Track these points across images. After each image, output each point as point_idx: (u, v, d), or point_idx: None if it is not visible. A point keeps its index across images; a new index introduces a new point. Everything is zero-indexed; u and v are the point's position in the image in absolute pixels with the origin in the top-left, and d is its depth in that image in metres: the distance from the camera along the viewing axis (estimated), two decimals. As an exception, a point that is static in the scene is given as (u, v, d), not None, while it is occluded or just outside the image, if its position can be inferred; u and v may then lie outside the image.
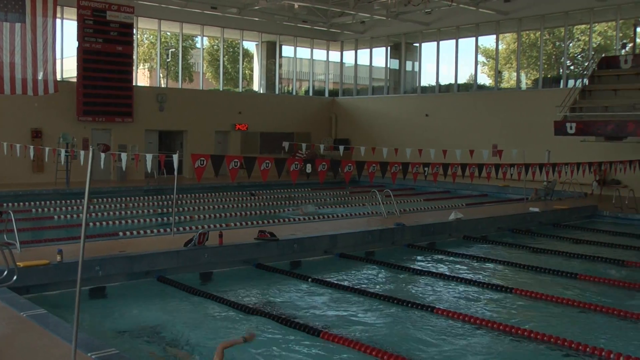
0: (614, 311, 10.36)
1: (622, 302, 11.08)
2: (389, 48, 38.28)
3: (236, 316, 9.81)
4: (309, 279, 12.14)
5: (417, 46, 37.46)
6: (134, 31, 30.86)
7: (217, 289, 11.32)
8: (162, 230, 15.76)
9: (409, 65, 38.01)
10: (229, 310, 10.08)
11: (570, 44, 32.92)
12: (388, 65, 38.48)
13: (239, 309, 10.08)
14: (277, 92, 38.84)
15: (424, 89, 36.76)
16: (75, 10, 27.95)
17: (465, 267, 13.89)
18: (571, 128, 24.31)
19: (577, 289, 12.15)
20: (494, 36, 33.63)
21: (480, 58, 35.90)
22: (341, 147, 24.60)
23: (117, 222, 17.82)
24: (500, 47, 34.40)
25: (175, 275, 11.89)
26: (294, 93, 40.08)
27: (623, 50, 29.12)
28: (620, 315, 10.23)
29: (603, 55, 29.05)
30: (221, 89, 36.72)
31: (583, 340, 8.75)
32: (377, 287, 12.15)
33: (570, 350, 8.58)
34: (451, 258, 14.81)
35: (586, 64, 30.40)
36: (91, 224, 17.07)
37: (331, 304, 10.80)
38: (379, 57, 38.89)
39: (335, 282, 12.11)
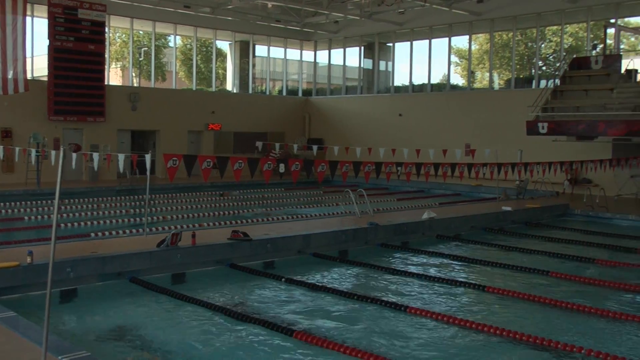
0: (584, 308, 10.46)
1: (593, 299, 11.18)
2: (362, 48, 38.37)
3: (209, 317, 9.76)
4: (283, 279, 12.11)
5: (390, 46, 37.61)
6: (106, 30, 30.63)
7: (190, 289, 11.25)
8: (134, 230, 15.63)
9: (382, 65, 38.13)
10: (203, 311, 10.03)
11: (542, 45, 33.20)
12: (361, 65, 38.57)
13: (212, 310, 10.03)
14: (250, 91, 38.78)
15: (398, 89, 36.90)
16: (46, 7, 27.71)
17: (438, 266, 13.94)
18: (543, 128, 24.52)
19: (549, 286, 12.25)
20: (467, 37, 33.82)
21: (453, 58, 36.11)
22: (315, 147, 24.61)
23: (88, 222, 17.67)
24: (473, 47, 34.61)
25: (148, 276, 11.81)
26: (268, 93, 40.03)
27: (594, 51, 29.43)
28: (591, 313, 10.33)
29: (574, 56, 29.35)
30: (194, 89, 36.63)
31: (555, 338, 8.82)
32: (351, 286, 12.17)
33: (542, 347, 8.64)
34: (424, 257, 14.87)
35: (558, 64, 30.74)
36: (62, 224, 16.92)
37: (305, 303, 10.78)
38: (353, 56, 38.98)
39: (309, 281, 12.09)
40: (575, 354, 8.38)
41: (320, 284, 11.89)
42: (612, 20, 28.96)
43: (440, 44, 34.96)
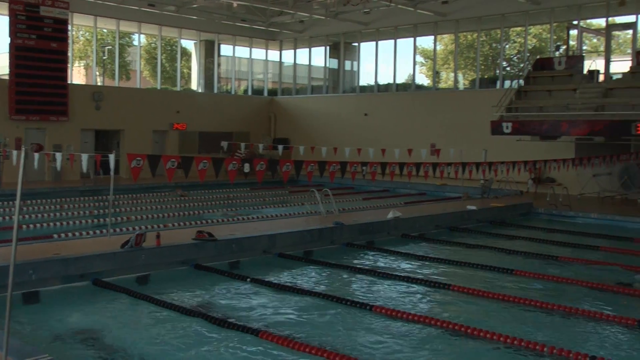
0: (547, 305, 10.59)
1: (556, 297, 11.32)
2: (328, 47, 38.41)
3: (174, 318, 9.70)
4: (248, 279, 12.08)
5: (356, 46, 37.71)
6: (69, 27, 30.29)
7: (154, 291, 11.17)
8: (98, 231, 15.48)
9: (347, 65, 38.22)
10: (167, 313, 9.96)
11: (507, 46, 33.52)
12: (327, 65, 38.60)
13: (177, 311, 9.96)
14: (215, 91, 38.64)
15: (363, 89, 37.00)
16: (7, 5, 27.31)
17: (403, 265, 14.00)
18: (507, 128, 24.74)
19: (513, 284, 12.39)
20: (432, 37, 34.01)
21: (419, 58, 36.29)
22: (280, 147, 24.57)
23: (51, 224, 17.42)
24: (438, 47, 34.82)
25: (112, 278, 11.69)
26: (233, 92, 39.90)
27: (557, 52, 29.81)
28: (554, 310, 10.46)
29: (538, 57, 29.73)
30: (159, 88, 36.41)
31: (519, 335, 8.92)
32: (316, 286, 12.17)
33: (507, 344, 8.72)
34: (389, 256, 14.91)
35: (522, 65, 31.05)
36: (24, 226, 16.66)
37: (270, 303, 10.76)
38: (318, 56, 39.04)
39: (274, 281, 12.07)
40: (539, 351, 8.47)
41: (286, 284, 11.88)
42: (575, 22, 29.36)
43: (405, 44, 35.13)
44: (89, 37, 35.32)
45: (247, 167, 14.77)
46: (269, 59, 40.91)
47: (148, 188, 24.64)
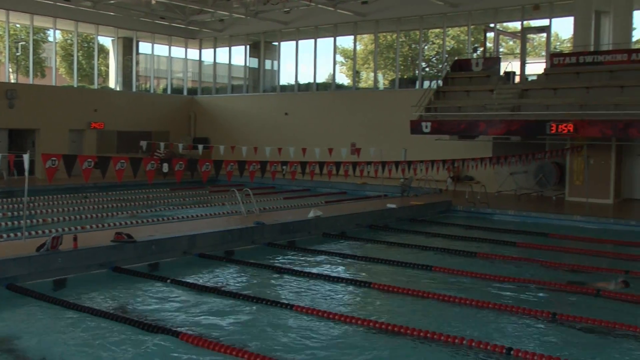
0: (466, 301, 10.80)
1: (475, 292, 11.57)
2: (248, 47, 38.31)
3: (93, 322, 9.48)
4: (168, 281, 11.92)
5: (276, 45, 37.70)
6: (-20, 24, 29.35)
7: (72, 295, 10.90)
8: (12, 234, 15.03)
9: (268, 64, 38.19)
10: (85, 317, 9.72)
11: (426, 47, 34.08)
12: (247, 64, 38.47)
13: (95, 315, 9.75)
14: (134, 89, 38.06)
15: (284, 88, 37.03)
16: None
17: (324, 264, 14.05)
18: (426, 127, 25.11)
19: (431, 280, 12.59)
20: (352, 37, 34.27)
21: (339, 58, 36.59)
22: (200, 146, 24.34)
23: (-38, 226, 16.87)
24: (358, 47, 35.12)
25: (27, 282, 11.35)
26: (152, 91, 39.37)
27: (474, 54, 30.44)
28: (472, 304, 10.68)
29: (456, 58, 30.32)
30: (75, 86, 35.62)
31: (439, 330, 9.07)
32: (237, 286, 12.10)
33: (427, 340, 8.84)
34: (310, 255, 14.94)
35: (440, 66, 31.58)
36: None
37: (191, 304, 10.64)
38: (238, 55, 38.87)
39: (195, 282, 11.95)
40: (458, 344, 8.63)
41: (207, 285, 11.78)
42: (492, 25, 30.04)
43: (325, 44, 35.32)
44: (1, 33, 34.26)
45: (165, 167, 14.59)
46: (188, 57, 40.51)
47: (64, 189, 24.04)
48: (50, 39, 36.60)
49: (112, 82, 38.68)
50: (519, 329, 9.69)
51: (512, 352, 8.31)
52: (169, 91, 40.06)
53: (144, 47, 38.84)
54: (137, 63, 38.49)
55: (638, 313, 10.48)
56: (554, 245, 16.55)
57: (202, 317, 9.96)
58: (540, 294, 11.74)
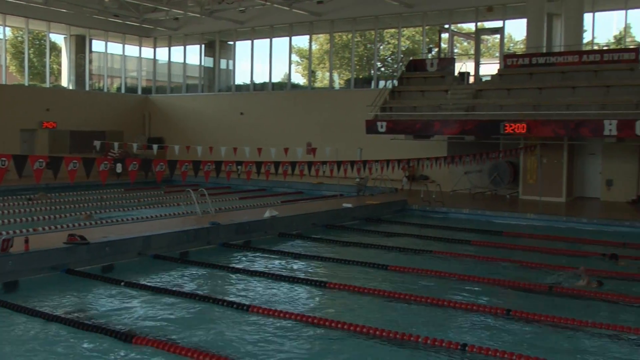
0: (421, 299, 10.88)
1: (430, 289, 11.68)
2: (203, 46, 38.07)
3: (45, 327, 9.32)
4: (122, 283, 11.76)
5: (231, 44, 37.56)
6: None
7: (23, 298, 10.69)
8: (-40, 236, 14.70)
9: (223, 64, 38.01)
10: (37, 322, 9.54)
11: (381, 47, 34.22)
12: (202, 63, 38.24)
13: (47, 319, 9.57)
14: (87, 88, 37.54)
15: (239, 88, 36.89)
16: None
17: (280, 264, 14.01)
18: (382, 127, 25.22)
19: (387, 279, 12.65)
20: (308, 36, 34.26)
21: (294, 58, 36.56)
22: (155, 146, 24.10)
23: None
24: (313, 47, 35.12)
25: (-24, 285, 11.14)
26: (106, 90, 38.89)
27: (429, 55, 30.67)
28: (428, 302, 10.77)
29: (411, 58, 30.50)
30: (27, 84, 34.99)
31: (395, 328, 9.11)
32: (192, 287, 11.98)
33: (383, 337, 8.88)
34: (266, 255, 14.89)
35: (395, 66, 31.74)
36: None
37: (145, 307, 10.52)
38: (193, 54, 38.62)
39: (150, 284, 11.82)
40: (414, 342, 8.68)
41: (161, 286, 11.66)
42: (446, 26, 30.29)
43: (281, 43, 35.26)
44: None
45: (119, 168, 14.41)
46: (142, 56, 40.07)
47: (15, 190, 23.59)
48: (0, 36, 35.90)
49: (65, 81, 38.10)
50: (474, 326, 9.79)
51: (467, 349, 8.40)
52: (123, 90, 39.61)
53: (98, 45, 38.37)
54: (91, 61, 37.98)
55: (592, 308, 10.69)
56: (508, 243, 16.79)
57: (157, 319, 9.85)
58: (495, 291, 11.88)
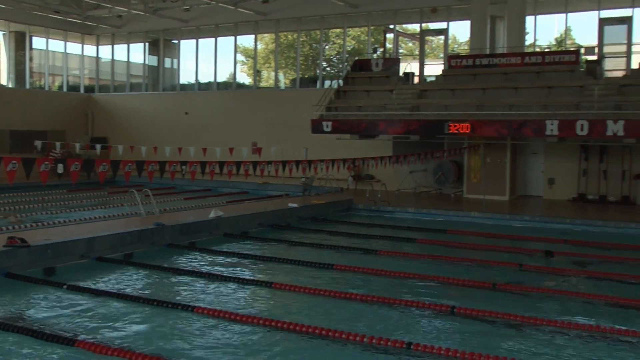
0: (367, 298, 10.94)
1: (375, 288, 11.73)
2: (147, 44, 37.64)
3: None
4: (65, 286, 11.53)
5: (176, 43, 37.23)
6: None
7: (-41, 301, 10.44)
8: None
9: (167, 62, 37.67)
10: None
11: (326, 47, 34.26)
12: (146, 62, 37.80)
13: (-16, 323, 9.35)
14: (27, 86, 36.80)
15: (184, 87, 36.60)
16: None
17: (225, 265, 13.92)
18: (327, 126, 25.27)
19: (333, 279, 12.67)
20: (253, 36, 34.18)
21: (240, 57, 36.38)
22: (98, 146, 23.73)
23: None
24: (259, 47, 35.02)
25: None
26: (47, 88, 38.18)
27: (375, 55, 30.85)
28: (373, 301, 10.82)
29: (356, 58, 30.64)
30: (-36, 82, 34.15)
31: (340, 328, 9.12)
32: (137, 289, 11.82)
33: (329, 338, 8.87)
34: (212, 256, 14.79)
35: (341, 65, 31.84)
36: None
37: (89, 310, 10.32)
38: (137, 53, 38.14)
39: (93, 287, 11.63)
40: (359, 342, 8.70)
41: (105, 289, 11.47)
42: (391, 26, 30.51)
43: (226, 43, 35.05)
44: None
45: (60, 168, 14.13)
46: (85, 54, 39.41)
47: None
48: (-64, 32, 35.03)
49: (4, 79, 37.26)
50: (419, 324, 9.87)
51: (412, 347, 8.44)
52: (65, 88, 38.93)
53: (38, 42, 37.61)
54: (31, 59, 37.25)
55: (536, 304, 10.86)
56: (453, 241, 16.99)
57: (101, 322, 9.68)
58: (440, 289, 12.00)
